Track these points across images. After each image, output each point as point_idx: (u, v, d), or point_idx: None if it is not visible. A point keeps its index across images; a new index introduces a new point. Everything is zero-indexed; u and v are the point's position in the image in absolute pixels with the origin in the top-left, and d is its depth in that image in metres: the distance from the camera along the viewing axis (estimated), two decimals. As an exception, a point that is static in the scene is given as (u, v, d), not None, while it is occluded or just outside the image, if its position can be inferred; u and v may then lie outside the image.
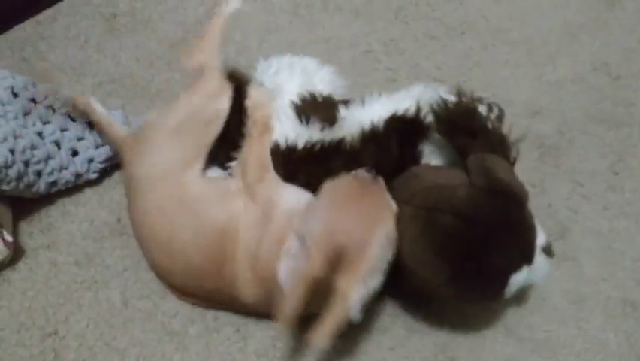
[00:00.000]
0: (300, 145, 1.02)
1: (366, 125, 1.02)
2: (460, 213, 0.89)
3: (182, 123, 1.05)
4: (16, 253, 1.12)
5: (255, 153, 1.02)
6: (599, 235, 1.15)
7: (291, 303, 0.85)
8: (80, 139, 1.18)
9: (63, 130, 1.17)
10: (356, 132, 1.02)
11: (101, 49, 1.39)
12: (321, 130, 1.03)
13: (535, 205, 1.16)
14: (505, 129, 1.01)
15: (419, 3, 1.44)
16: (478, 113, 1.00)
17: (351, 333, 1.04)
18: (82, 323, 1.07)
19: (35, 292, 1.10)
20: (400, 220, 0.92)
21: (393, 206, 0.93)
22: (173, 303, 1.08)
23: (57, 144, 1.15)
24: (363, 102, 1.07)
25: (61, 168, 1.14)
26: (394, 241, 0.91)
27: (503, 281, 0.91)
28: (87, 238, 1.15)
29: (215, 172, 1.06)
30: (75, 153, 1.17)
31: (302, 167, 1.01)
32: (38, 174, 1.11)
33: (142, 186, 1.04)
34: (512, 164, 0.99)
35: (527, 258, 0.92)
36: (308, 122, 1.04)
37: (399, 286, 0.97)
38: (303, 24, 1.44)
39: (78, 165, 1.16)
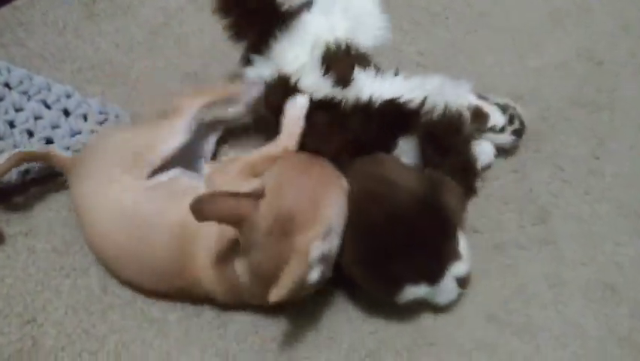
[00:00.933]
0: (308, 91, 1.03)
1: (365, 97, 1.02)
2: (388, 212, 0.94)
3: (125, 140, 1.06)
4: (-6, 240, 1.10)
5: (262, 156, 1.02)
6: (580, 219, 1.15)
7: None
8: (54, 127, 1.17)
9: (37, 118, 1.15)
10: (353, 98, 1.02)
11: (79, 35, 1.37)
12: (332, 86, 1.03)
13: (516, 190, 1.17)
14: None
15: (402, -12, 1.43)
16: (458, 136, 1.02)
17: (332, 318, 1.04)
18: (60, 310, 1.06)
19: (13, 279, 1.08)
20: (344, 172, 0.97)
21: (342, 176, 0.96)
22: (152, 290, 1.07)
23: (30, 132, 1.13)
24: (378, 74, 1.05)
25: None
26: (345, 205, 0.93)
27: (398, 287, 0.96)
28: (66, 225, 1.14)
29: (176, 173, 1.05)
30: (49, 141, 1.15)
31: None
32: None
33: (90, 204, 1.02)
34: (473, 192, 1.05)
35: (429, 279, 0.96)
36: (325, 73, 1.03)
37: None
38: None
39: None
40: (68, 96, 1.21)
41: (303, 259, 0.86)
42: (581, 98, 1.29)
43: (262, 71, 1.08)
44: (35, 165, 1.13)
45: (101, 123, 1.21)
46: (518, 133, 1.16)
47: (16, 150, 1.08)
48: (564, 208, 1.16)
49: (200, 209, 0.87)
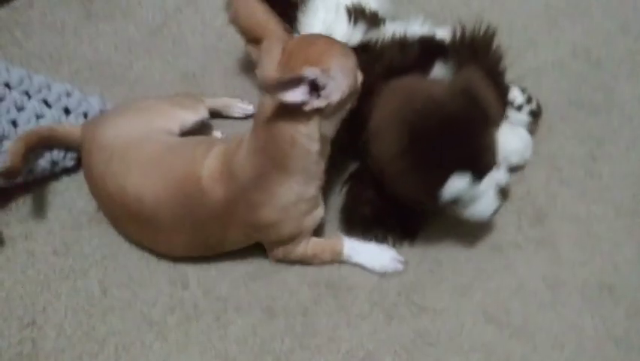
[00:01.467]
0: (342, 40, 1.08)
1: (400, 33, 1.09)
2: (433, 100, 0.98)
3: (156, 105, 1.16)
4: (-7, 242, 1.11)
5: None
6: (578, 220, 1.15)
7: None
8: (56, 126, 1.17)
9: (39, 117, 1.15)
10: (388, 35, 1.10)
11: (78, 35, 1.37)
12: (365, 33, 1.11)
13: (514, 191, 1.18)
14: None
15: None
16: (494, 51, 1.08)
17: (331, 316, 1.05)
18: (60, 312, 1.06)
19: (13, 282, 1.09)
20: (379, 93, 1.02)
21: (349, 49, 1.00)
22: (152, 292, 1.08)
23: (31, 132, 1.14)
24: (408, 21, 1.15)
25: (37, 157, 1.13)
26: (351, 72, 0.96)
27: (443, 177, 0.96)
28: (65, 227, 1.14)
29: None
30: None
31: None
32: (11, 162, 1.10)
33: (122, 161, 1.05)
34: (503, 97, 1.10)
35: (474, 169, 0.97)
36: (355, 24, 1.12)
37: (361, 153, 1.06)
38: None
39: (54, 152, 1.15)
40: (69, 95, 1.21)
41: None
42: (579, 99, 1.29)
43: None
44: (38, 165, 1.13)
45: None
46: (535, 115, 1.18)
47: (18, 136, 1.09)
48: (562, 209, 1.16)
49: (236, 9, 1.00)
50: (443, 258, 1.11)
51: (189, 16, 1.42)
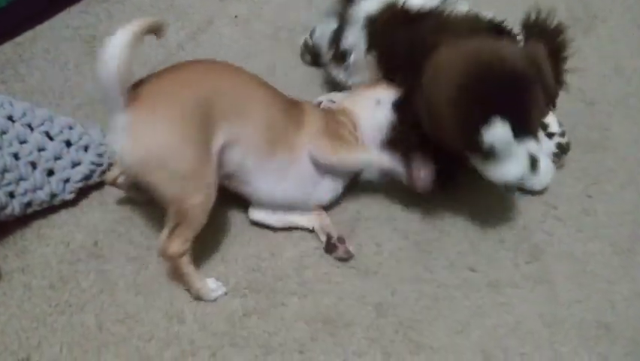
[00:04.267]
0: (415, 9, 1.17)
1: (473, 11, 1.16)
2: (499, 52, 1.03)
3: None
4: (-10, 276, 1.10)
5: None
6: (574, 257, 1.16)
7: None
8: (57, 158, 1.18)
9: (40, 150, 1.17)
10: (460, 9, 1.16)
11: (80, 71, 1.39)
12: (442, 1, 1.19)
13: (510, 228, 1.19)
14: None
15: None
16: (563, 37, 1.11)
17: (328, 354, 1.04)
18: (55, 347, 1.05)
19: (8, 316, 1.08)
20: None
21: None
22: (148, 327, 1.07)
23: (33, 164, 1.15)
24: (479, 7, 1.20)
25: (36, 189, 1.14)
26: None
27: (489, 116, 1.00)
28: (63, 262, 1.14)
29: None
30: (51, 173, 1.17)
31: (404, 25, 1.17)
32: (11, 195, 1.11)
33: None
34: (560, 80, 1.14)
35: (518, 123, 1.01)
36: None
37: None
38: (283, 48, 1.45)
39: (53, 185, 1.16)
40: (71, 128, 1.22)
41: None
42: (574, 138, 1.31)
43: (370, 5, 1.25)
44: (38, 198, 1.14)
45: (101, 155, 1.22)
46: (562, 150, 1.24)
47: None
48: (557, 246, 1.17)
49: None
50: (440, 294, 1.11)
51: (190, 52, 1.45)
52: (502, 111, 1.01)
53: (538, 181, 1.21)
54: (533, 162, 1.07)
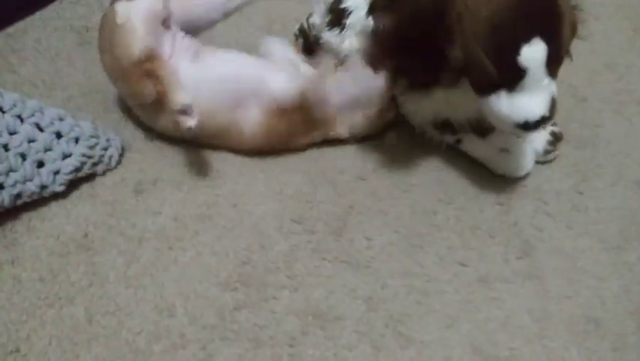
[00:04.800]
0: None
1: None
2: None
3: None
4: (-21, 268, 1.10)
5: None
6: (564, 253, 1.16)
7: None
8: (47, 150, 1.17)
9: (30, 141, 1.16)
10: None
11: (72, 62, 1.38)
12: None
13: (501, 223, 1.19)
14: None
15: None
16: None
17: (318, 347, 1.04)
18: (44, 340, 1.05)
19: (-3, 308, 1.08)
20: None
21: None
22: (138, 320, 1.07)
23: (23, 155, 1.14)
24: None
25: (25, 180, 1.13)
26: None
27: (515, 45, 1.00)
28: (52, 254, 1.14)
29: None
30: (41, 164, 1.16)
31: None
32: (1, 186, 1.10)
33: None
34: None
35: (551, 45, 1.01)
36: None
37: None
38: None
39: (44, 176, 1.15)
40: (61, 119, 1.22)
41: None
42: (565, 134, 1.31)
43: None
44: (28, 189, 1.14)
45: (91, 147, 1.22)
46: (557, 137, 1.25)
47: None
48: (548, 242, 1.18)
49: None
50: (431, 289, 1.12)
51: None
52: (542, 33, 1.00)
53: (524, 163, 1.24)
54: (553, 107, 1.06)
